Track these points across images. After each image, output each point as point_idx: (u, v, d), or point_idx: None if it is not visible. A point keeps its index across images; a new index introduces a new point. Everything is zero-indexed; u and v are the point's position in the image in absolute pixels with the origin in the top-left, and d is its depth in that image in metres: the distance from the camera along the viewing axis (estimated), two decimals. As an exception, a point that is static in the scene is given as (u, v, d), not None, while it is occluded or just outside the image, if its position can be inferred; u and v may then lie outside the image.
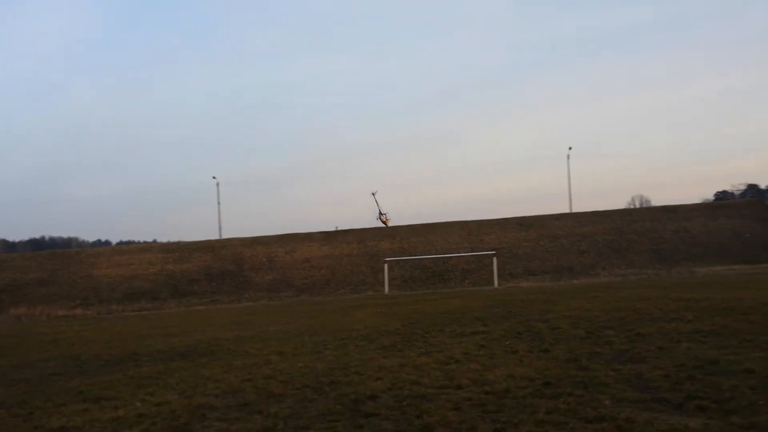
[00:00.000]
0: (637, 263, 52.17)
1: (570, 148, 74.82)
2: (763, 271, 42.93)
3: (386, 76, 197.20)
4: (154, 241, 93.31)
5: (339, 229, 67.21)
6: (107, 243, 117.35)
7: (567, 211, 70.14)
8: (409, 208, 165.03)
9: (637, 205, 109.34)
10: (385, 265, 50.09)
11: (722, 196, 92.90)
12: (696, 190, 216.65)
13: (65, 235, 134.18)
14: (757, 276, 36.03)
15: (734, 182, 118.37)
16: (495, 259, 49.21)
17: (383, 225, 58.45)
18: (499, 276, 49.21)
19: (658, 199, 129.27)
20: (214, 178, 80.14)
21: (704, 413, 7.06)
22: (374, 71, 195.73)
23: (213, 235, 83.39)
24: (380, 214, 56.77)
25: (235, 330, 22.58)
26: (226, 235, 73.65)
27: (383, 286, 49.47)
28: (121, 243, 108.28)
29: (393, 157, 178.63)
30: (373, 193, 54.38)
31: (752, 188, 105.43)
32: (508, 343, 13.66)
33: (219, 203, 80.00)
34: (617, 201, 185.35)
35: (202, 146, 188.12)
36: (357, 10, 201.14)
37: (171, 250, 64.70)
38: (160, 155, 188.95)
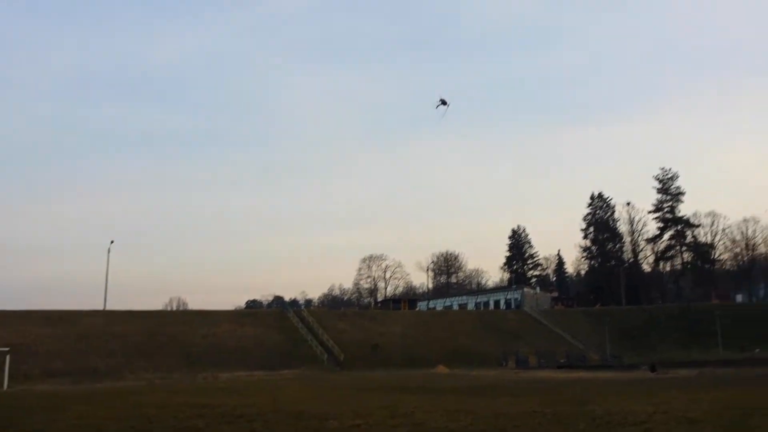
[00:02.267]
0: (165, 366, 51.89)
1: (112, 242, 71.98)
2: (278, 377, 47.22)
3: None
4: None
5: None
6: None
7: (101, 307, 66.40)
8: None
9: (174, 308, 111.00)
10: None
11: (252, 305, 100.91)
12: (230, 297, 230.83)
13: None
14: (274, 382, 39.39)
15: (264, 293, 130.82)
16: (8, 357, 42.95)
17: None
18: (12, 377, 43.02)
19: (195, 303, 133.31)
20: None
21: None
22: None
23: None
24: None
25: None
26: None
27: None
28: None
29: None
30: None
31: (278, 299, 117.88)
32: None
33: None
34: (155, 301, 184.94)
35: None
36: None
37: None
38: None
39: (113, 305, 70.64)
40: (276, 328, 64.80)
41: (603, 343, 68.10)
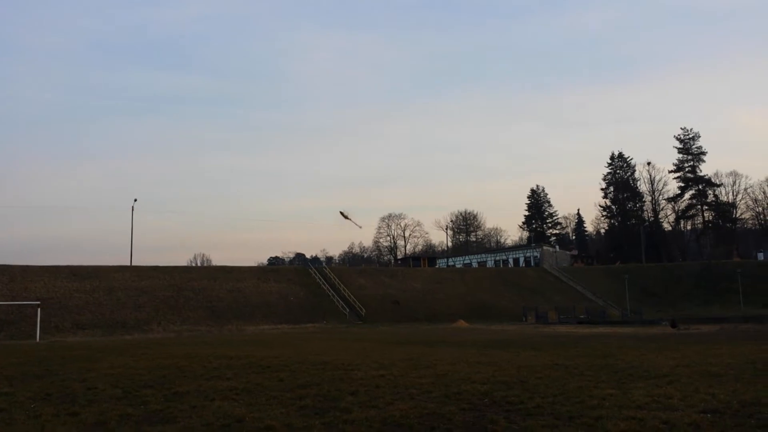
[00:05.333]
0: (191, 320, 53.03)
1: (135, 200, 73.13)
2: (302, 330, 48.11)
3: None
4: None
5: None
6: None
7: (127, 263, 67.79)
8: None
9: (198, 264, 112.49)
10: None
11: (274, 262, 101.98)
12: (252, 254, 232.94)
13: None
14: (298, 335, 40.15)
15: (285, 250, 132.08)
16: (39, 310, 44.23)
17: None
18: (44, 329, 44.28)
19: (218, 259, 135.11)
20: None
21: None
22: None
23: None
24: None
25: None
26: None
27: None
28: None
29: None
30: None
31: (300, 256, 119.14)
32: (33, 406, 12.22)
33: None
34: (180, 257, 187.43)
35: None
36: None
37: None
38: None
39: (139, 261, 72.07)
40: (299, 283, 65.67)
41: (623, 299, 68.23)
